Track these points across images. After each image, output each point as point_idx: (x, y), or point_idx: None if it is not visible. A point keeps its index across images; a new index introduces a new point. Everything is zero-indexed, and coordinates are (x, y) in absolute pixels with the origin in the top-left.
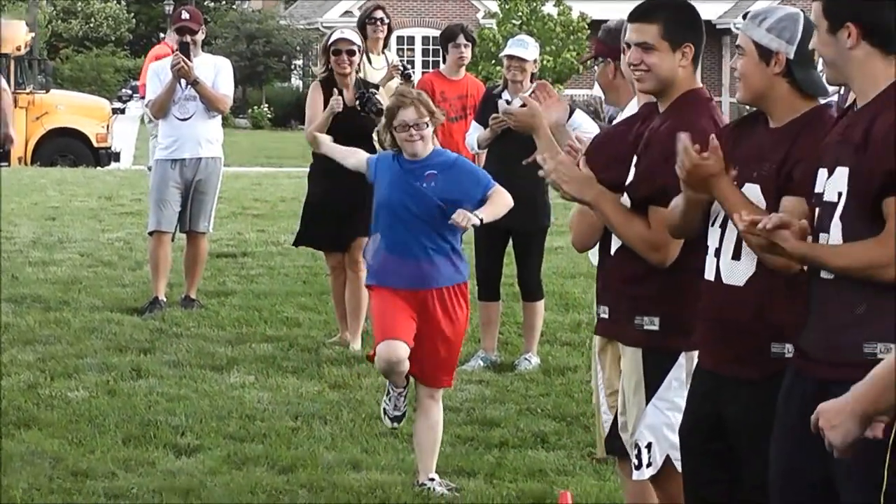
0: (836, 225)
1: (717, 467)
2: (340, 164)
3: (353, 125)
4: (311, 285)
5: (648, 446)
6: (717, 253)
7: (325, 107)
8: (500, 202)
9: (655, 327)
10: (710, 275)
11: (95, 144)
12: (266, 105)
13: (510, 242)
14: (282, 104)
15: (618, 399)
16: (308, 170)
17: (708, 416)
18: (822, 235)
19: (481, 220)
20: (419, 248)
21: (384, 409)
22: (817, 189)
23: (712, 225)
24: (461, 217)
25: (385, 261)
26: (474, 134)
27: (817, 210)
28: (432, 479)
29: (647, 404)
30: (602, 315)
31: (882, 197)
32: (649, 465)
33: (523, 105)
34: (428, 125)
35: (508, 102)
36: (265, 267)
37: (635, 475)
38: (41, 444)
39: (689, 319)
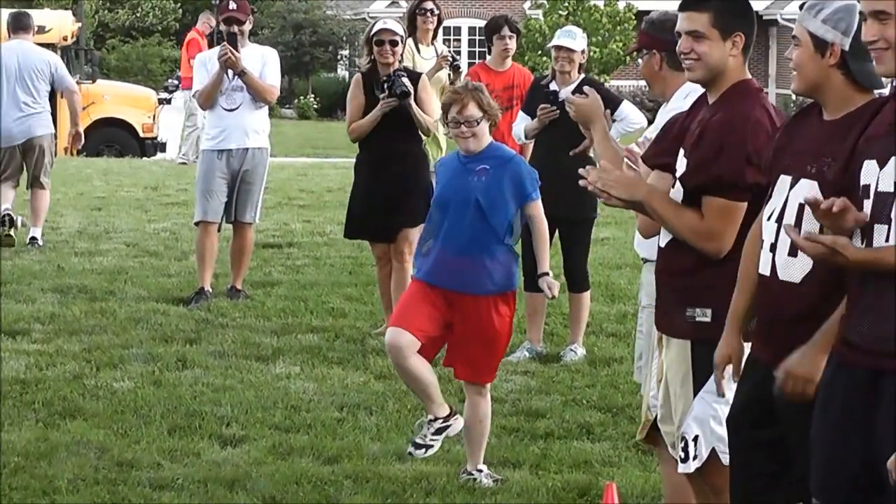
0: (895, 214)
1: (766, 458)
2: (386, 154)
3: (397, 113)
4: (356, 276)
5: (695, 439)
6: (773, 248)
7: (366, 99)
8: (544, 242)
9: (707, 319)
10: (765, 269)
11: (141, 134)
12: (312, 95)
13: (556, 233)
14: (328, 94)
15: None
16: (354, 160)
17: (760, 404)
18: (879, 227)
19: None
20: (470, 246)
21: (415, 431)
22: (864, 181)
23: (767, 219)
24: (548, 289)
25: (435, 258)
26: (521, 124)
27: (866, 203)
28: (480, 471)
29: (694, 397)
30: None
31: None
32: (695, 457)
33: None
34: (480, 122)
35: (556, 92)
36: (311, 257)
37: (681, 468)
38: (87, 435)
39: (742, 325)
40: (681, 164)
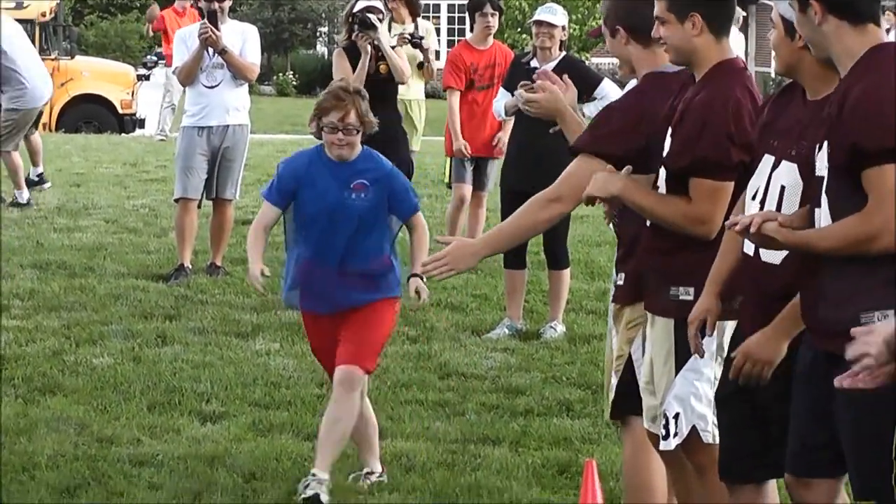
0: (824, 199)
1: (755, 434)
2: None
3: (373, 91)
4: None
5: (676, 416)
6: None
7: (353, 72)
8: (424, 247)
9: (690, 297)
10: (748, 248)
11: (120, 111)
12: (291, 72)
13: None
14: (307, 71)
15: (622, 364)
16: None
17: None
18: (817, 210)
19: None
20: (350, 260)
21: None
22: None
23: (752, 199)
24: (417, 293)
25: (307, 275)
26: (501, 101)
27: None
28: (314, 476)
29: (675, 375)
30: (618, 283)
31: (860, 170)
32: (676, 434)
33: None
34: (358, 132)
35: (535, 70)
36: None
37: (662, 445)
38: (66, 411)
39: (723, 290)
40: (668, 146)
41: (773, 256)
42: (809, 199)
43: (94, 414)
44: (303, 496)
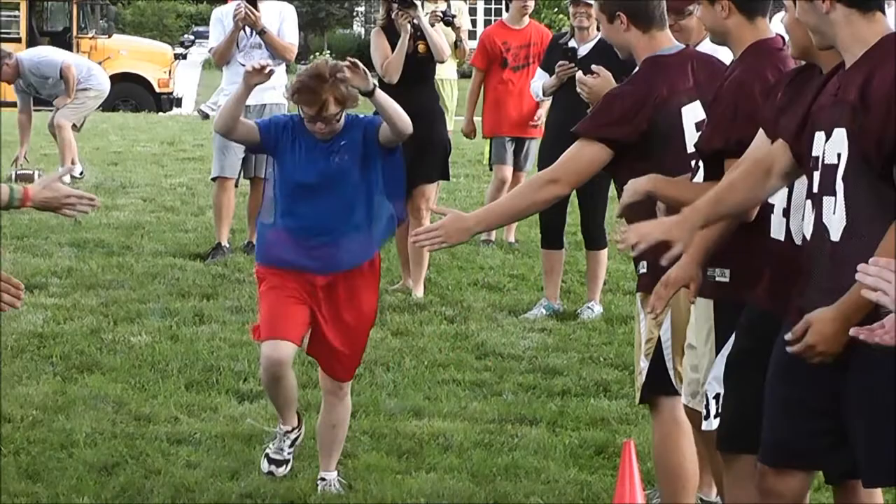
0: (839, 186)
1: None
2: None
3: (410, 70)
4: None
5: (717, 397)
6: (786, 213)
7: (393, 50)
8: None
9: (726, 279)
10: (778, 234)
11: (157, 90)
12: (328, 51)
13: (573, 191)
14: (343, 51)
15: (652, 348)
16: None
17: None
18: (827, 199)
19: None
20: (335, 227)
21: (265, 449)
22: (815, 152)
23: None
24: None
25: (283, 239)
26: (539, 81)
27: (816, 174)
28: (323, 479)
29: (716, 355)
30: (642, 271)
31: (893, 160)
32: (717, 416)
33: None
34: (340, 119)
35: (575, 49)
36: None
37: (704, 425)
38: (104, 389)
39: (757, 272)
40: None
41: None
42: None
43: (132, 392)
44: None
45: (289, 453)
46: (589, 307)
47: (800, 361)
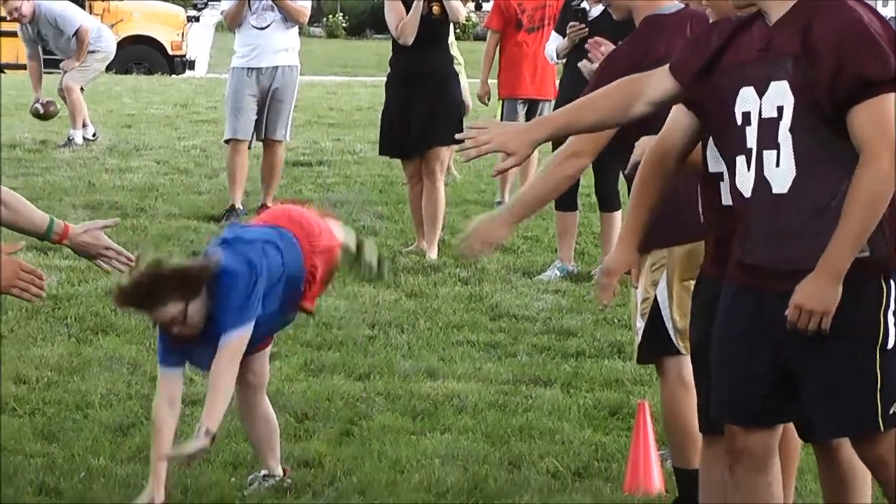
0: (784, 139)
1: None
2: (417, 72)
3: (424, 32)
4: (387, 194)
5: None
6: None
7: (408, 12)
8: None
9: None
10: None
11: (170, 52)
12: (341, 14)
13: None
14: (357, 13)
15: (648, 307)
16: (385, 79)
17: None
18: (768, 153)
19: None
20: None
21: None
22: (743, 108)
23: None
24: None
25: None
26: (553, 44)
27: (749, 129)
28: (266, 475)
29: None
30: None
31: (854, 103)
32: None
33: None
34: (186, 318)
35: (586, 11)
36: (341, 175)
37: None
38: (119, 350)
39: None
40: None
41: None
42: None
43: (147, 353)
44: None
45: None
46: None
47: (741, 322)
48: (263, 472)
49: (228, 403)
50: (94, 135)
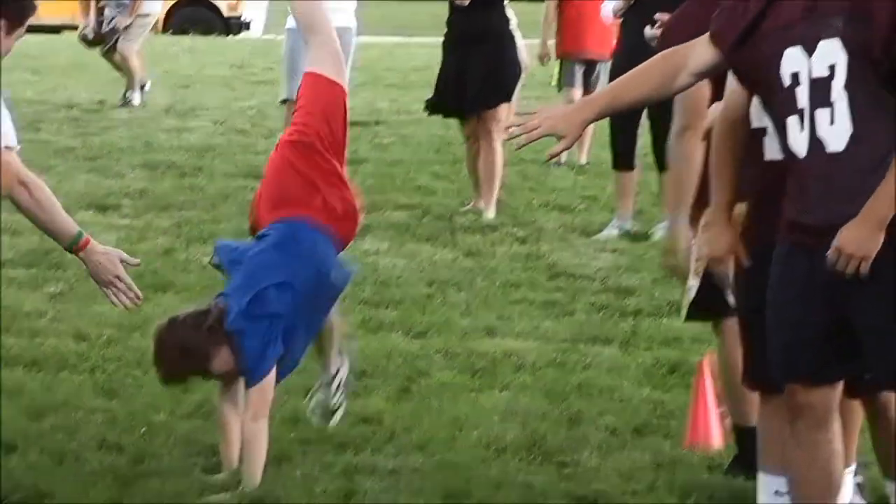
0: (838, 97)
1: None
2: (474, 32)
3: None
4: (443, 154)
5: None
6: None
7: None
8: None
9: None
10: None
11: (226, 13)
12: None
13: (645, 112)
14: None
15: (702, 266)
16: (442, 39)
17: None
18: (821, 111)
19: None
20: None
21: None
22: (791, 69)
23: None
24: None
25: None
26: (610, 4)
27: (800, 90)
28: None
29: None
30: None
31: None
32: None
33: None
34: (215, 375)
35: None
36: (398, 135)
37: None
38: (178, 308)
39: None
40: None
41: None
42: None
43: None
44: None
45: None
46: (662, 227)
47: (796, 282)
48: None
49: (265, 458)
50: (143, 87)
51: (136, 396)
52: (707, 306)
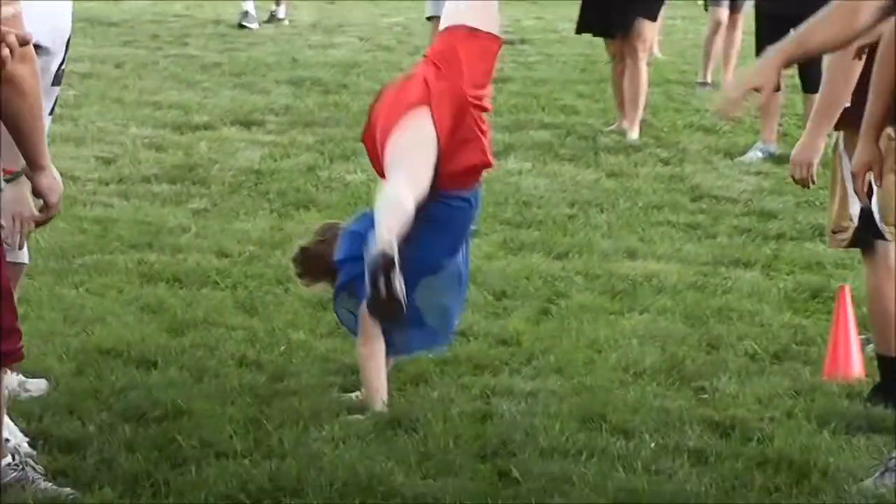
0: None
1: None
2: None
3: None
4: (588, 73)
5: None
6: None
7: None
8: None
9: None
10: None
11: None
12: None
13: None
14: None
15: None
16: None
17: None
18: None
19: None
20: None
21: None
22: None
23: None
24: None
25: None
26: None
27: None
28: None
29: None
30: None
31: None
32: None
33: None
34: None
35: None
36: (543, 54)
37: None
38: None
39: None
40: None
41: None
42: None
43: None
44: None
45: None
46: None
47: None
48: None
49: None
50: (284, 17)
51: (277, 314)
52: (865, 233)
